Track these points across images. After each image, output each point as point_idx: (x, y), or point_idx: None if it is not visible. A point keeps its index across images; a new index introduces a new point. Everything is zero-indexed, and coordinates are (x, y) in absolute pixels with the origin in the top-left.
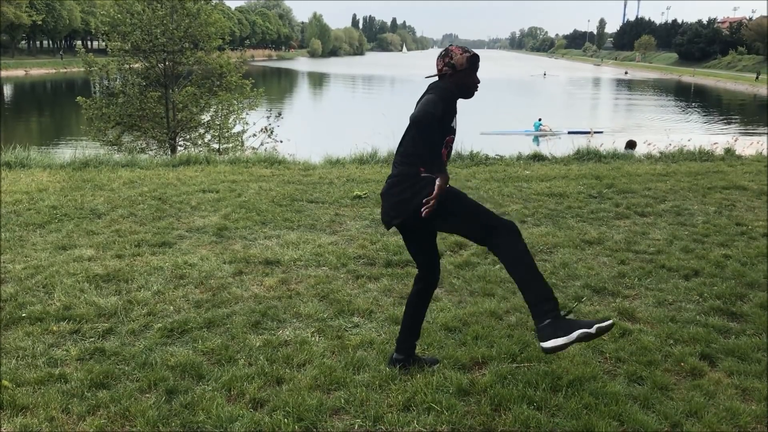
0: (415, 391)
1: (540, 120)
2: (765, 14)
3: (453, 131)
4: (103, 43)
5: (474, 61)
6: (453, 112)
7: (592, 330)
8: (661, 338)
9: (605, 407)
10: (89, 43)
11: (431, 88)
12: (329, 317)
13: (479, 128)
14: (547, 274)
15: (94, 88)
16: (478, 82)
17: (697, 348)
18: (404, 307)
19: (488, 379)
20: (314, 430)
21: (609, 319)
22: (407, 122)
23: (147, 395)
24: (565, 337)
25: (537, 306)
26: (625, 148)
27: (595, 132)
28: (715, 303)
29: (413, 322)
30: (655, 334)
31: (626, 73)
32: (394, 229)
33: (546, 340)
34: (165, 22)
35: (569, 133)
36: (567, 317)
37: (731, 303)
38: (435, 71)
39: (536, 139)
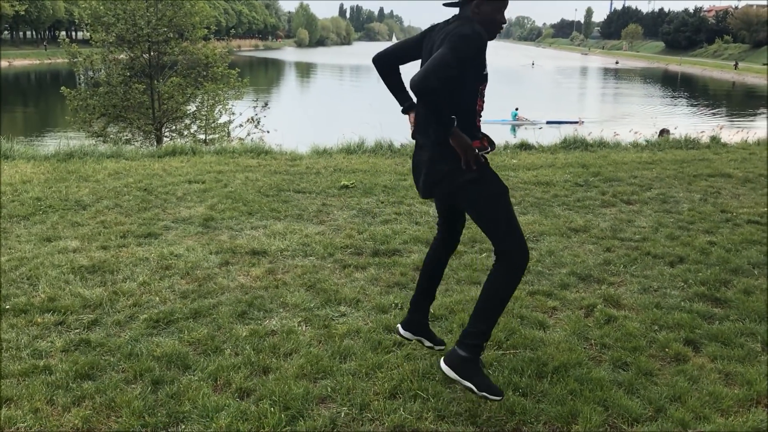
0: (401, 378)
1: (517, 110)
2: (750, 3)
3: (486, 78)
4: (88, 34)
5: None
6: (485, 53)
7: (477, 391)
8: (646, 324)
9: (590, 393)
10: (73, 33)
11: (454, 22)
12: (316, 306)
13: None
14: (533, 263)
15: (79, 79)
16: (505, 22)
17: (682, 334)
18: (421, 269)
19: None
20: (300, 418)
21: (500, 396)
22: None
23: (133, 386)
24: (460, 377)
25: (469, 335)
26: (659, 135)
27: (573, 122)
28: (700, 289)
29: (431, 284)
30: (640, 321)
31: (617, 62)
32: (381, 218)
33: (447, 363)
34: (149, 12)
35: (548, 123)
36: (478, 365)
37: (715, 289)
38: None
39: (513, 128)
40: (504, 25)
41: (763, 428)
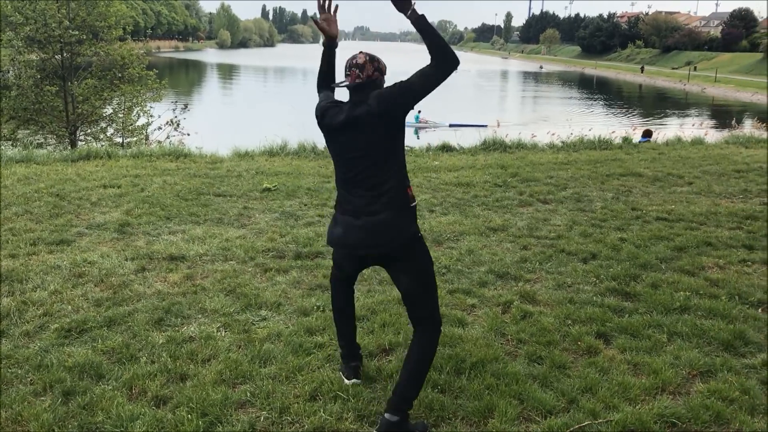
0: (322, 381)
1: (419, 112)
2: (660, 10)
3: None
4: None
5: None
6: None
7: None
8: (559, 319)
9: (506, 387)
10: None
11: (372, 91)
12: (236, 311)
13: None
14: (453, 261)
15: None
16: None
17: (593, 327)
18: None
19: (394, 366)
20: (219, 424)
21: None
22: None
23: (42, 398)
24: None
25: (405, 401)
26: (642, 136)
27: (479, 125)
28: (611, 284)
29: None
30: (555, 316)
31: (541, 67)
32: (304, 221)
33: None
34: (60, 12)
35: (451, 126)
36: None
37: (625, 284)
38: (347, 77)
39: (416, 131)
40: None
41: (668, 414)
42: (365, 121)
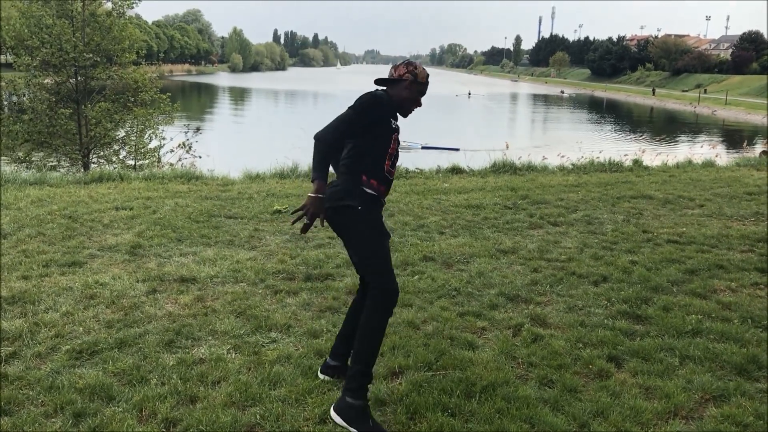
0: (331, 403)
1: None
2: (669, 33)
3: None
4: (10, 57)
5: (428, 82)
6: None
7: None
8: (571, 342)
9: (517, 411)
10: None
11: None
12: (246, 333)
13: None
14: (463, 283)
15: (1, 104)
16: (419, 105)
17: (605, 350)
18: (345, 318)
19: (404, 388)
20: None
21: None
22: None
23: (53, 420)
24: (347, 425)
25: (353, 378)
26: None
27: (452, 149)
28: (622, 307)
29: (354, 329)
30: (566, 339)
31: (562, 92)
32: (315, 243)
33: (336, 409)
34: (75, 37)
35: (423, 147)
36: (368, 411)
37: (637, 306)
38: (389, 76)
39: None
40: (416, 108)
41: None
42: None
